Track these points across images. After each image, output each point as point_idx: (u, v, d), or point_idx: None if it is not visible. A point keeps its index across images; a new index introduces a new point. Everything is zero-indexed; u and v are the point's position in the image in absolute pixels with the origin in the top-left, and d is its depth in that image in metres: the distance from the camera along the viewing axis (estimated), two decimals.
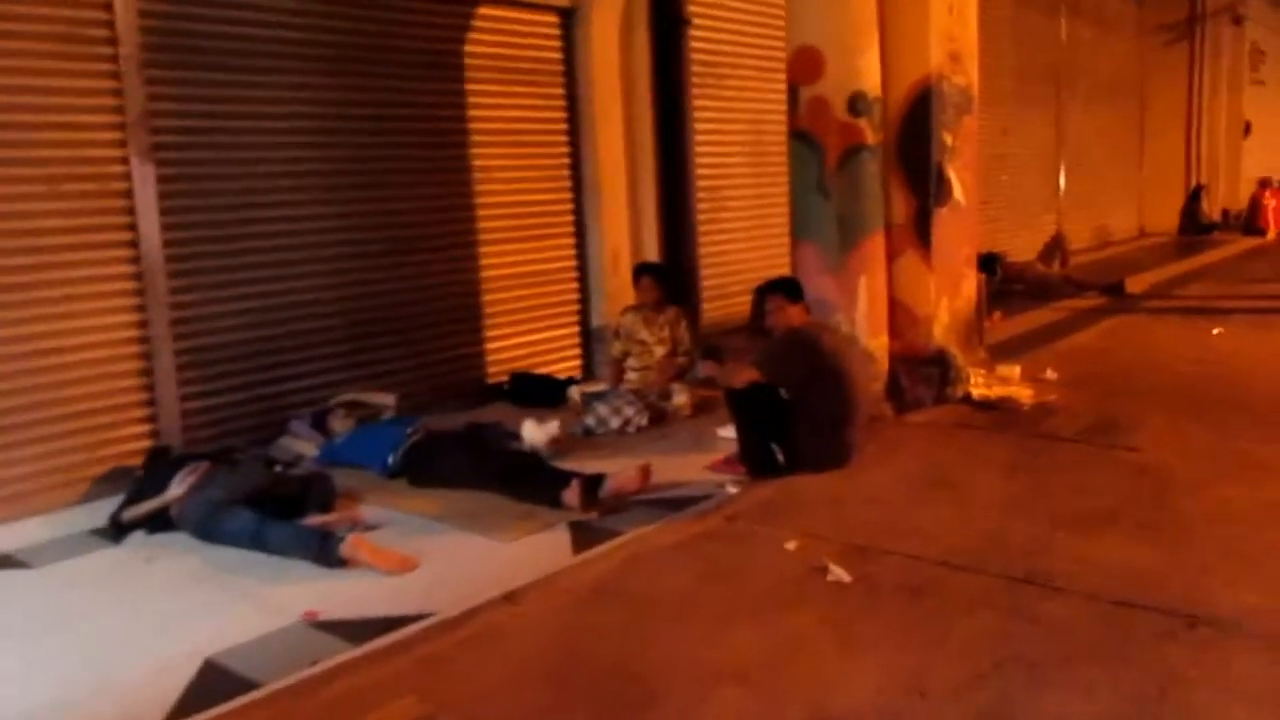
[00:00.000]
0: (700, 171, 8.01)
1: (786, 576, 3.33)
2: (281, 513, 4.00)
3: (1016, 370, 5.93)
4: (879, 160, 5.60)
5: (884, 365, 5.65)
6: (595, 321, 7.25)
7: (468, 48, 6.51)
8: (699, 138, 7.98)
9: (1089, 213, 15.26)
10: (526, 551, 3.74)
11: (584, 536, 3.84)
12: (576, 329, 7.30)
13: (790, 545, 3.58)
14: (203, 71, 5.19)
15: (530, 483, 4.32)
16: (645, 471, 4.27)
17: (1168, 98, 17.23)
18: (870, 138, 5.47)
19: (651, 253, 7.51)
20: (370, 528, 4.03)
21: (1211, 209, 16.76)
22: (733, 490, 4.31)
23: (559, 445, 5.05)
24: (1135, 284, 9.90)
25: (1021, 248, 12.94)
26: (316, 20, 5.68)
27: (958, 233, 5.98)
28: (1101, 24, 15.13)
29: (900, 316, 5.83)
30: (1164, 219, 16.79)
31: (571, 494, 4.15)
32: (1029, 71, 13.09)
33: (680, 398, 5.79)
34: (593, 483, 4.19)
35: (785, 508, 4.03)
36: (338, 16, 5.78)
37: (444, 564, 3.65)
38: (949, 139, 5.80)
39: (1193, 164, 17.20)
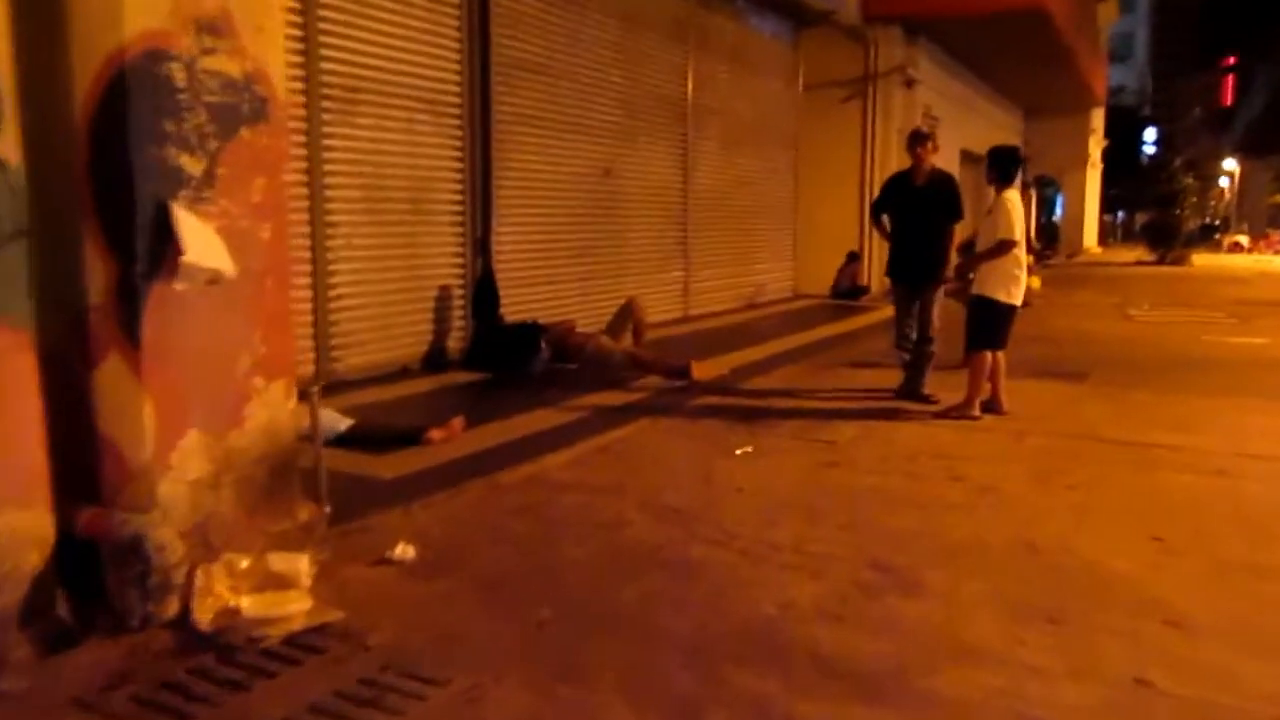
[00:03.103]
0: None
1: None
2: None
3: (303, 563, 3.53)
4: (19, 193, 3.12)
5: (32, 554, 3.15)
6: None
7: None
8: None
9: (731, 270, 13.64)
10: None
11: None
12: None
13: None
14: None
15: None
16: None
17: (839, 156, 16.19)
18: None
19: None
20: None
21: (863, 274, 15.69)
22: None
23: None
24: (704, 369, 7.98)
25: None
26: None
27: (234, 321, 3.58)
28: (741, 63, 13.60)
29: (109, 464, 3.36)
30: (825, 281, 15.57)
31: None
32: (643, 105, 11.20)
33: None
34: None
35: None
36: None
37: None
38: (193, 164, 3.39)
39: (865, 226, 16.13)
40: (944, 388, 7.17)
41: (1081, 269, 28.00)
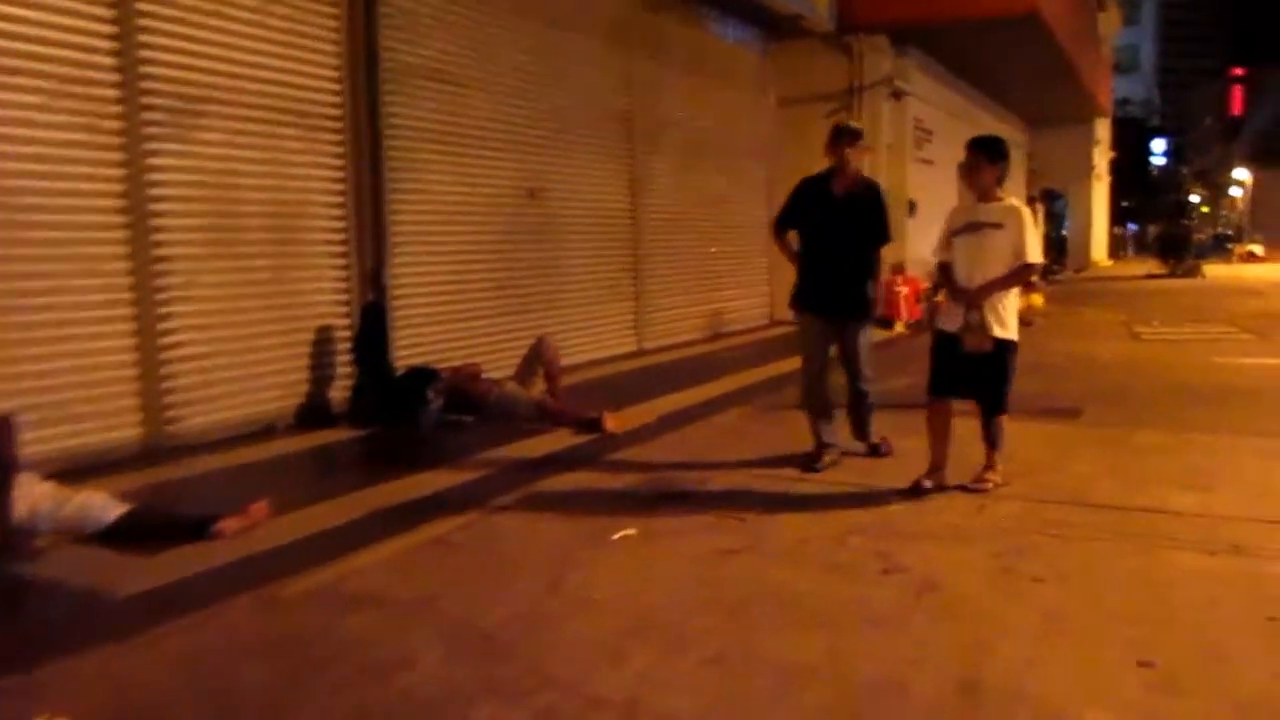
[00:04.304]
0: None
1: None
2: None
3: None
4: None
5: None
6: None
7: None
8: None
9: (692, 298, 12.41)
10: None
11: None
12: None
13: None
14: None
15: None
16: None
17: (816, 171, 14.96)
18: None
19: None
20: None
21: None
22: None
23: None
24: (621, 419, 6.75)
25: (578, 346, 9.79)
26: None
27: None
28: (701, 72, 12.42)
29: None
30: None
31: None
32: (578, 117, 10.02)
33: None
34: None
35: None
36: None
37: None
38: None
39: None
40: (901, 432, 5.91)
41: (1089, 284, 26.70)
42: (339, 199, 7.40)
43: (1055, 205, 39.10)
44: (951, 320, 5.10)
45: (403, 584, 3.92)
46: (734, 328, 13.25)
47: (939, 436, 5.17)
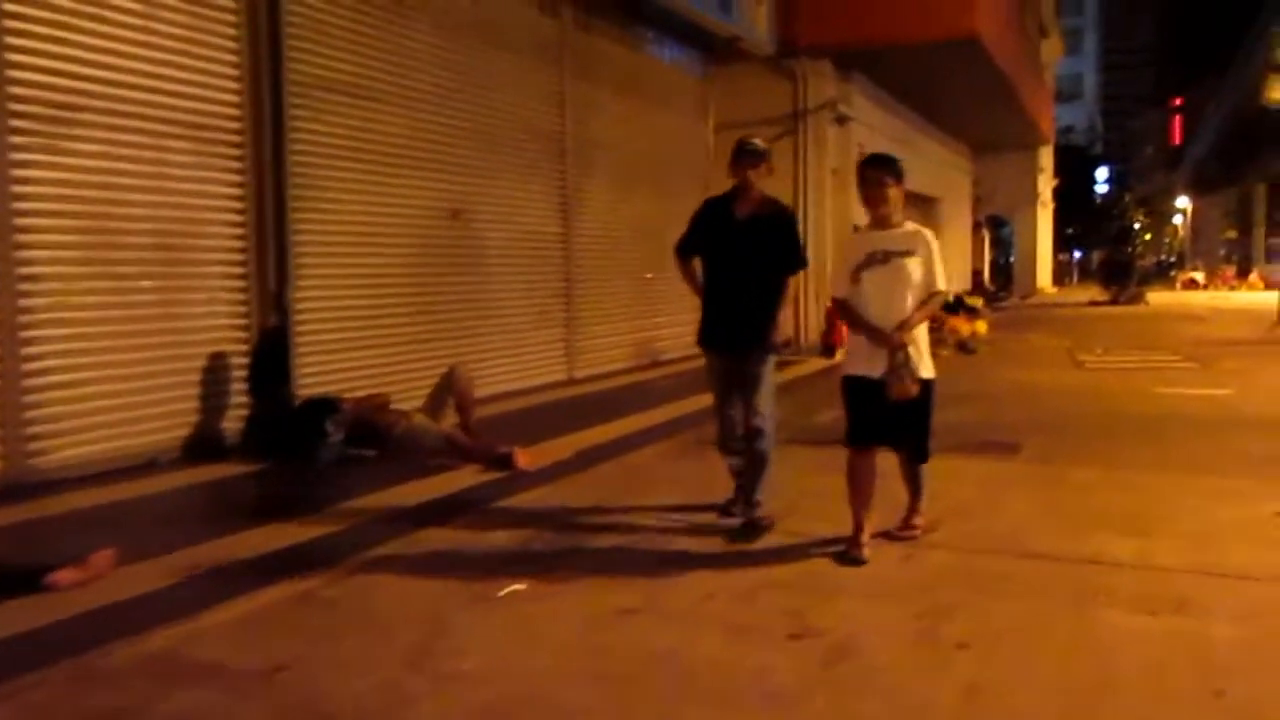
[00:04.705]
0: None
1: None
2: None
3: None
4: None
5: None
6: None
7: None
8: None
9: (629, 325, 12.01)
10: None
11: None
12: None
13: None
14: None
15: None
16: None
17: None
18: None
19: None
20: None
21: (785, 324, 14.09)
22: None
23: None
24: (535, 455, 6.33)
25: (504, 374, 9.35)
26: None
27: None
28: (637, 94, 12.09)
29: None
30: None
31: None
32: (505, 137, 9.62)
33: None
34: None
35: None
36: None
37: None
38: None
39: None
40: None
41: (1034, 310, 26.73)
42: (238, 216, 6.93)
43: (1001, 232, 39.38)
44: (867, 364, 4.47)
45: (249, 651, 3.44)
46: (671, 355, 12.84)
47: (862, 493, 4.52)
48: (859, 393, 4.52)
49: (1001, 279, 37.20)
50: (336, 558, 4.40)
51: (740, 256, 5.03)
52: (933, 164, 24.76)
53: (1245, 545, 4.60)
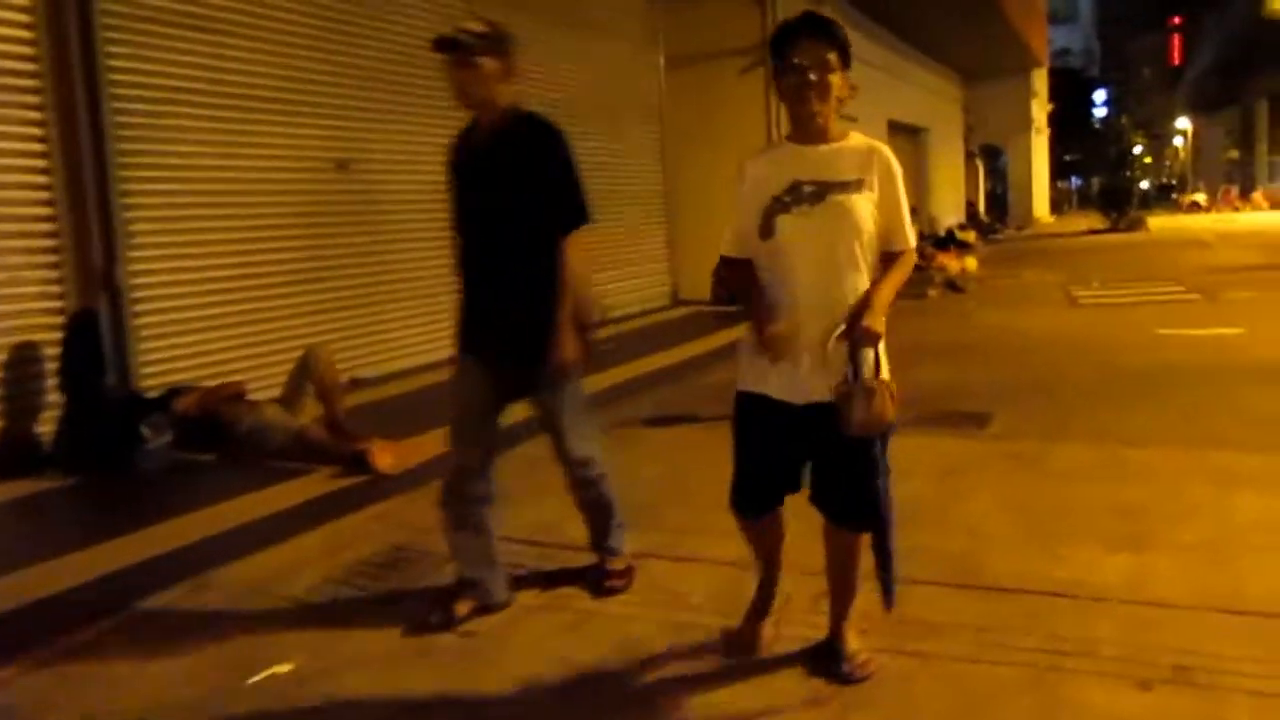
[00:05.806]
0: None
1: None
2: None
3: None
4: None
5: None
6: None
7: None
8: None
9: None
10: None
11: None
12: None
13: None
14: None
15: None
16: None
17: (734, 136, 13.41)
18: None
19: None
20: None
21: None
22: None
23: None
24: (400, 453, 5.20)
25: (408, 348, 8.20)
26: None
27: None
28: (564, 19, 10.78)
29: None
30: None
31: None
32: (399, 73, 8.35)
33: None
34: None
35: None
36: None
37: None
38: None
39: None
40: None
41: (1029, 242, 25.49)
42: (42, 178, 5.72)
43: (998, 162, 37.92)
44: (784, 377, 2.68)
45: None
46: (628, 311, 11.68)
47: (769, 558, 3.01)
48: (764, 424, 2.75)
49: (998, 210, 35.86)
50: (56, 629, 3.29)
51: (483, 207, 3.34)
52: (919, 92, 23.42)
53: (1271, 561, 3.47)
